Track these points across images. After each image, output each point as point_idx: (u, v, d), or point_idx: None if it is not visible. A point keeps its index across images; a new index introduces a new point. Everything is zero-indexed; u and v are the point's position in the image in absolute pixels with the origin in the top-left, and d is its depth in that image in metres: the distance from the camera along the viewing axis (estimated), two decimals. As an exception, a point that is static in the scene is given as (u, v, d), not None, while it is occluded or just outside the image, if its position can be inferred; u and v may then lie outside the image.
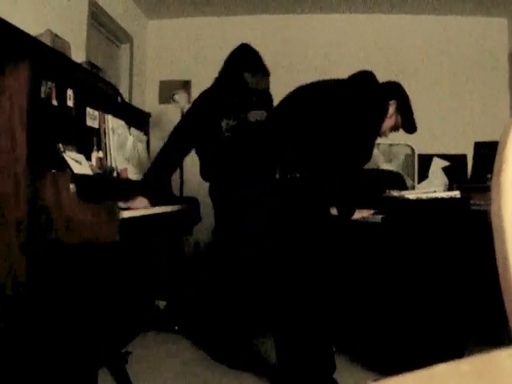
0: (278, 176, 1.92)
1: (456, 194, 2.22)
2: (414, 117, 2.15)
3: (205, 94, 2.35)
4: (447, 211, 2.13)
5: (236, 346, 2.38)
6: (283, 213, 1.95)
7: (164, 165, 2.20)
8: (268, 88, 2.41)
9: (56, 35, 2.21)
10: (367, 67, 2.22)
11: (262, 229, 1.96)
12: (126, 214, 1.69)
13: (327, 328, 2.00)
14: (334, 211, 2.22)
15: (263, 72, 2.35)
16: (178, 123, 2.29)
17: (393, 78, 2.24)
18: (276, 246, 1.95)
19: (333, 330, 2.15)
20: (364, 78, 2.11)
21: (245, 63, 2.31)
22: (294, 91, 2.11)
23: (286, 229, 1.95)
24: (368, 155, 2.05)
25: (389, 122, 2.14)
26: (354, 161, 2.02)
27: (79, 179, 1.67)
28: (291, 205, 1.95)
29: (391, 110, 2.12)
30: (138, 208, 1.94)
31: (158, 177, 2.20)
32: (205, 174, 2.38)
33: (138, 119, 2.66)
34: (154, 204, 2.09)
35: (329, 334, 2.01)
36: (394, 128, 2.20)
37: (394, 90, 2.16)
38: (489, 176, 2.76)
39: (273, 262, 1.96)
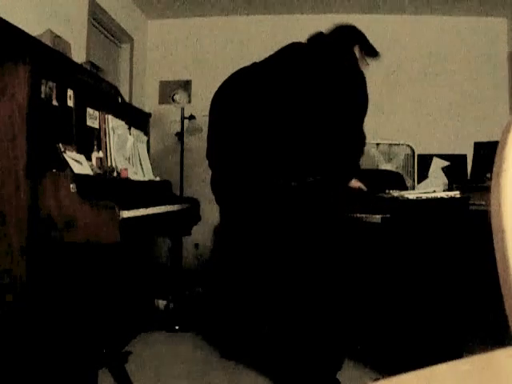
0: (294, 183, 1.91)
1: (456, 193, 2.23)
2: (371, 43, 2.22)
3: None
4: (447, 211, 2.13)
5: (240, 341, 2.38)
6: (308, 218, 1.94)
7: None
8: None
9: (56, 35, 2.21)
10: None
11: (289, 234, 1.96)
12: (126, 214, 1.69)
13: (339, 326, 1.99)
14: None
15: None
16: None
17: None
18: (302, 248, 1.95)
19: (348, 329, 2.14)
20: (318, 42, 2.11)
21: None
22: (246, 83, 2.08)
23: (312, 232, 1.96)
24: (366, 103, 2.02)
25: (361, 65, 2.19)
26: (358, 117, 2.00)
27: (79, 179, 1.67)
28: (315, 210, 1.95)
29: (357, 54, 2.19)
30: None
31: None
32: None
33: (138, 119, 2.66)
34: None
35: (340, 333, 2.01)
36: (364, 65, 2.25)
37: (351, 35, 2.19)
38: (488, 176, 2.77)
39: (294, 263, 1.97)
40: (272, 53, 2.18)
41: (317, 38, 2.14)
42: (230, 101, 2.11)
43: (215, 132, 2.15)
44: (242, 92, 2.08)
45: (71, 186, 1.60)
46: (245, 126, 2.00)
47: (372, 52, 2.23)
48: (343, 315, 2.05)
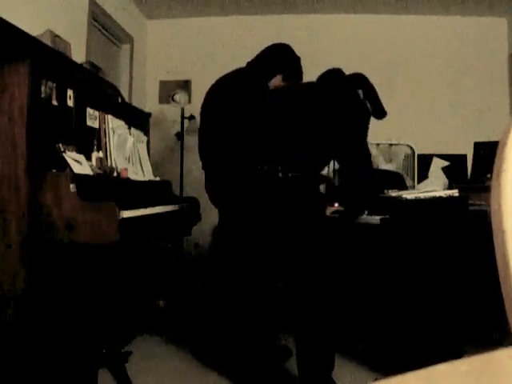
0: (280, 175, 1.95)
1: (454, 192, 2.22)
2: (382, 103, 2.20)
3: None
4: (446, 210, 2.13)
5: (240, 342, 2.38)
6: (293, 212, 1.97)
7: None
8: None
9: (56, 35, 2.21)
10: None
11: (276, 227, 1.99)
12: (125, 214, 1.69)
13: (332, 327, 2.00)
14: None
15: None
16: None
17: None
18: (286, 244, 1.98)
19: (336, 329, 2.15)
20: (332, 75, 2.18)
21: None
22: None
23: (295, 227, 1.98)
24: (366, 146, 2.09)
25: None
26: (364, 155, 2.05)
27: (79, 179, 1.67)
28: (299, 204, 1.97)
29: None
30: None
31: None
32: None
33: (138, 119, 2.66)
34: None
35: (333, 333, 2.02)
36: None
37: (359, 80, 2.21)
38: (488, 176, 2.77)
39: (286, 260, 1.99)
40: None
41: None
42: (220, 104, 2.20)
43: (207, 133, 2.23)
44: (231, 95, 2.17)
45: (71, 186, 1.60)
46: (235, 125, 2.10)
47: (375, 106, 2.24)
48: (334, 315, 2.05)
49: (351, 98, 2.11)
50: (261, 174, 1.97)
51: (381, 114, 2.23)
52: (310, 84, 2.21)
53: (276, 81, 2.29)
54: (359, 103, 2.12)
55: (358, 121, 2.06)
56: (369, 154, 2.12)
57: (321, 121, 2.02)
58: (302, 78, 2.34)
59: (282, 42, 2.33)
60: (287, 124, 2.03)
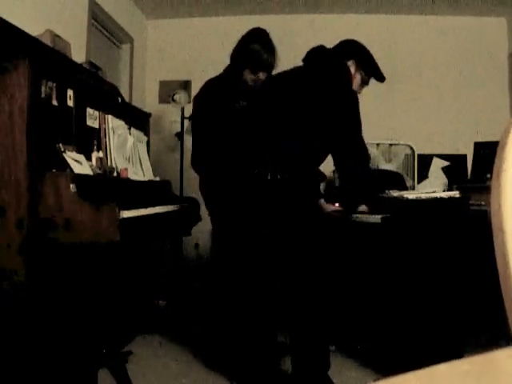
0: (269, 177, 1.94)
1: (456, 193, 2.23)
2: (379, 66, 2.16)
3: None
4: (447, 211, 2.13)
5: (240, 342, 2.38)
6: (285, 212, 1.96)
7: None
8: None
9: (56, 35, 2.21)
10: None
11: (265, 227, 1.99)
12: (125, 214, 1.69)
13: (326, 326, 2.00)
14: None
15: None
16: None
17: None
18: (279, 244, 1.97)
19: (330, 328, 2.15)
20: (315, 55, 2.15)
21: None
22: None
23: (287, 227, 1.97)
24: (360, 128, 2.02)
25: (355, 82, 2.15)
26: (357, 142, 2.00)
27: (79, 179, 1.67)
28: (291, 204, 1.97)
29: (352, 69, 2.13)
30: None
31: None
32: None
33: (138, 119, 2.66)
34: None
35: (327, 332, 2.02)
36: (363, 84, 2.21)
37: (348, 50, 2.15)
38: (488, 176, 2.77)
39: (278, 261, 1.99)
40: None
41: (315, 50, 2.16)
42: (201, 114, 2.22)
43: (202, 137, 2.25)
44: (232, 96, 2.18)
45: (71, 185, 1.60)
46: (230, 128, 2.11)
47: (373, 72, 2.18)
48: (329, 314, 2.06)
49: (339, 75, 2.05)
50: (251, 178, 1.96)
51: (381, 76, 2.18)
52: (296, 69, 2.15)
53: (248, 76, 2.23)
54: (350, 81, 2.05)
55: (346, 103, 1.98)
56: (366, 150, 2.08)
57: (309, 106, 1.97)
58: (272, 66, 2.24)
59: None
60: (275, 114, 2.00)
